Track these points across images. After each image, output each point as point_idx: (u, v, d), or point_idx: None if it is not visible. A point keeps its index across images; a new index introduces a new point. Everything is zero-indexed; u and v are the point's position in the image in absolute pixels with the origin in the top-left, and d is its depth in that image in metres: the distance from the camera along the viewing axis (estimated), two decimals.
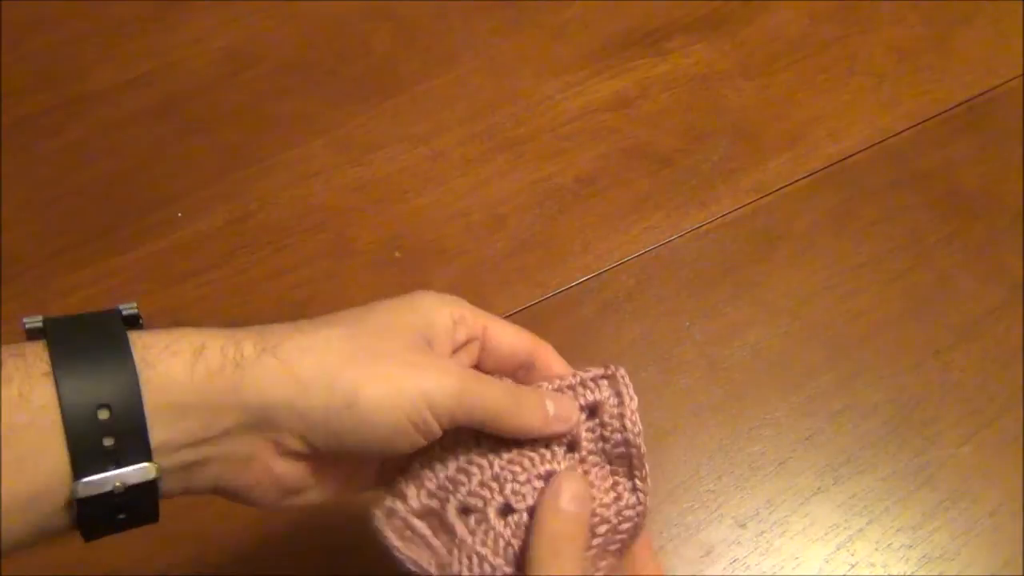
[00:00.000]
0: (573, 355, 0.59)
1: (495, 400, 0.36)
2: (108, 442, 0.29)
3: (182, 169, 0.65)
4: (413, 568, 0.36)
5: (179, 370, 0.30)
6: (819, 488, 0.55)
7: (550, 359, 0.40)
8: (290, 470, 0.34)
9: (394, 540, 0.37)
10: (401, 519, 0.37)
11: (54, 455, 0.28)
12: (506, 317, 0.60)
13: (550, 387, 0.40)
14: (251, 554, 0.52)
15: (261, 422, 0.32)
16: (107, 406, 0.29)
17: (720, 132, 0.67)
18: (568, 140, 0.67)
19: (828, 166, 0.66)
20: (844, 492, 0.55)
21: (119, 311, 0.33)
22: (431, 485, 0.38)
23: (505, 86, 0.69)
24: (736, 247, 0.63)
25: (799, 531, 0.54)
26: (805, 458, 0.56)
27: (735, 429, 0.57)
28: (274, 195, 0.64)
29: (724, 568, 0.53)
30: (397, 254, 0.62)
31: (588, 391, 0.41)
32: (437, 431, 0.34)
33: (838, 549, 0.54)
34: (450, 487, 0.37)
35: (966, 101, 0.69)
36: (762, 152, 0.67)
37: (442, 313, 0.37)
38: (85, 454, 0.29)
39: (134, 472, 0.29)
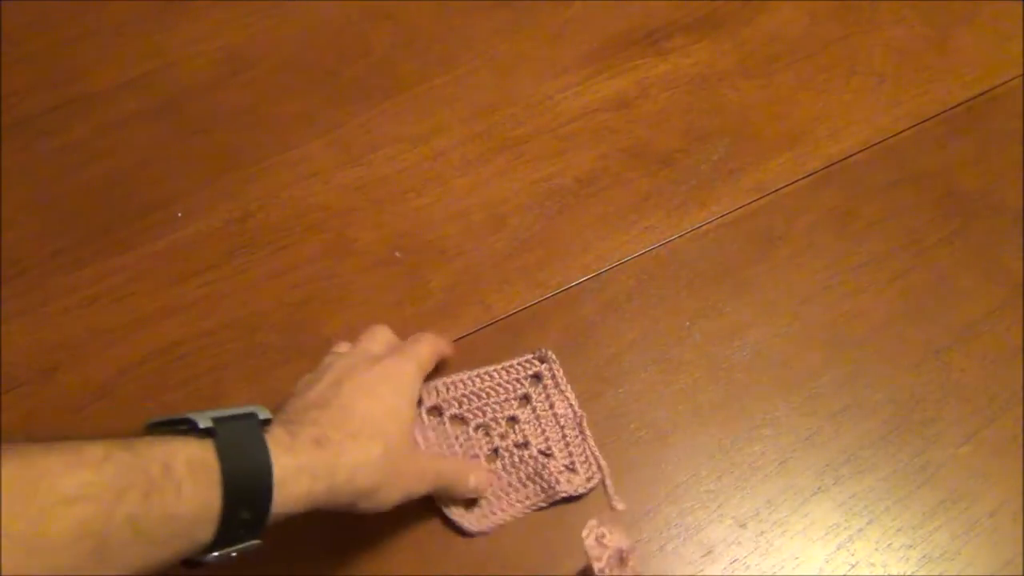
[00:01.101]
0: (573, 355, 0.59)
1: (448, 486, 0.52)
2: (241, 532, 0.40)
3: (182, 169, 0.65)
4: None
5: (300, 494, 0.42)
6: (819, 488, 0.55)
7: (447, 352, 0.57)
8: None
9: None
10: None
11: (206, 535, 0.38)
12: (506, 317, 0.60)
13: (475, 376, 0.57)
14: (251, 554, 0.52)
15: (305, 503, 0.43)
16: (250, 510, 0.40)
17: (720, 132, 0.67)
18: (568, 140, 0.67)
19: (828, 166, 0.66)
20: (844, 492, 0.55)
21: (257, 419, 0.42)
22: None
23: (505, 86, 0.69)
24: (736, 247, 0.63)
25: (799, 531, 0.54)
26: (805, 458, 0.56)
27: (735, 429, 0.57)
28: (274, 195, 0.64)
29: (724, 568, 0.53)
30: (397, 254, 0.62)
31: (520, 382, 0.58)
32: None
33: (838, 549, 0.54)
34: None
35: (966, 101, 0.69)
36: (762, 152, 0.67)
37: (418, 388, 0.52)
38: (223, 539, 0.39)
39: (244, 548, 0.41)
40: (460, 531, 0.53)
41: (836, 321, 0.61)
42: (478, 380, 0.57)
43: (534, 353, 0.57)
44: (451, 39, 0.70)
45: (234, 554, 0.40)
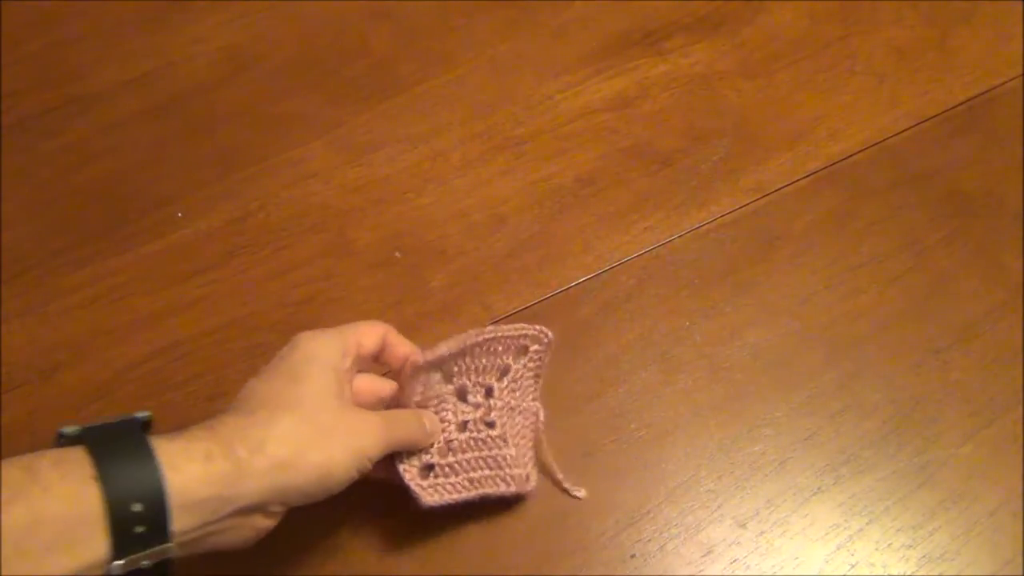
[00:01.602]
0: (573, 355, 0.59)
1: (407, 434, 0.49)
2: (139, 529, 0.36)
3: (182, 169, 0.65)
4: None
5: (195, 474, 0.38)
6: (819, 488, 0.55)
7: (395, 340, 0.50)
8: (268, 523, 0.43)
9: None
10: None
11: (98, 541, 0.36)
12: (506, 317, 0.60)
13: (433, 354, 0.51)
14: (251, 554, 0.52)
15: (255, 505, 0.41)
16: (142, 501, 0.36)
17: (720, 132, 0.67)
18: (568, 140, 0.67)
19: (828, 166, 0.66)
20: (844, 492, 0.55)
21: (137, 420, 0.40)
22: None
23: (505, 86, 0.69)
24: (736, 247, 0.63)
25: (799, 531, 0.54)
26: (805, 458, 0.56)
27: (735, 429, 0.57)
28: (274, 195, 0.64)
29: (724, 568, 0.53)
30: (397, 254, 0.62)
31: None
32: (370, 467, 0.45)
33: (838, 549, 0.54)
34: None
35: (966, 101, 0.69)
36: (762, 152, 0.67)
37: (335, 357, 0.47)
38: (121, 541, 0.36)
39: (156, 552, 0.37)
40: (416, 500, 0.49)
41: (836, 321, 0.61)
42: (472, 336, 0.52)
43: (532, 327, 0.53)
44: (451, 39, 0.70)
45: (146, 563, 0.37)
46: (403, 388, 0.51)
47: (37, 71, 0.68)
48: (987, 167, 0.66)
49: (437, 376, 0.52)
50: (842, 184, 0.66)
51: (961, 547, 0.54)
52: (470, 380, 0.53)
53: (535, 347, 0.54)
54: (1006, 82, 0.70)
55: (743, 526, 0.54)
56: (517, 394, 0.54)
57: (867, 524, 0.54)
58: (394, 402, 0.51)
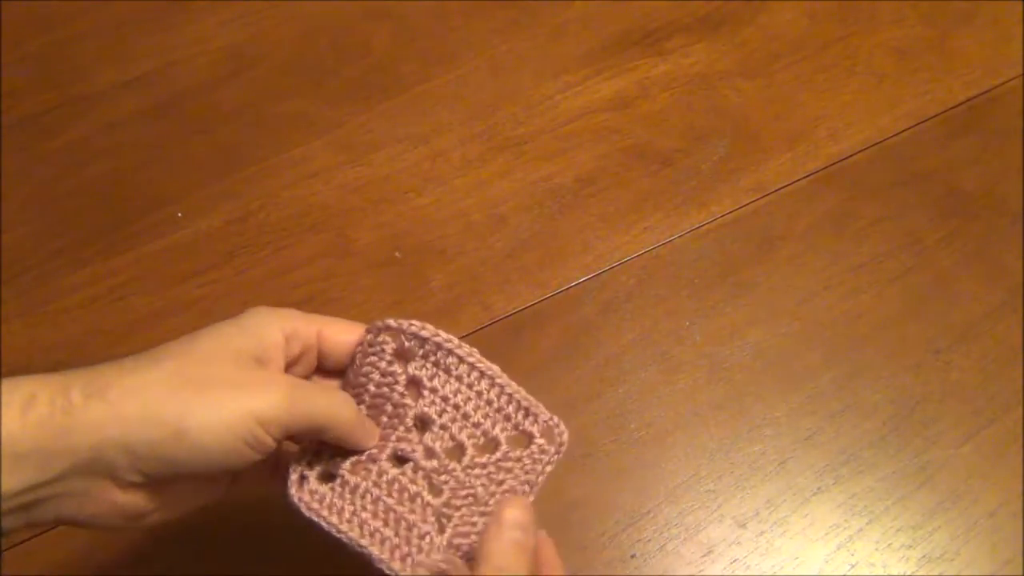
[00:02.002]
0: (573, 355, 0.59)
1: (328, 407, 0.38)
2: None
3: (182, 169, 0.65)
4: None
5: (10, 422, 0.32)
6: (819, 488, 0.55)
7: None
8: (132, 499, 0.35)
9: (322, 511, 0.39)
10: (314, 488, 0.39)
11: None
12: (506, 317, 0.60)
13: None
14: (251, 554, 0.52)
15: (94, 463, 0.33)
16: None
17: (720, 132, 0.67)
18: (568, 140, 0.67)
19: (828, 166, 0.66)
20: (844, 492, 0.55)
21: None
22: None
23: (505, 86, 0.69)
24: (736, 247, 0.63)
25: (799, 531, 0.54)
26: (805, 458, 0.56)
27: (735, 429, 0.57)
28: (274, 195, 0.64)
29: (724, 568, 0.53)
30: (397, 254, 0.62)
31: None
32: (271, 444, 0.36)
33: (838, 549, 0.54)
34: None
35: (966, 101, 0.69)
36: (762, 152, 0.67)
37: (272, 330, 0.38)
38: None
39: None
40: (291, 503, 0.39)
41: (836, 321, 0.61)
42: (475, 373, 0.41)
43: (551, 416, 0.42)
44: (451, 39, 0.70)
45: None
46: (350, 365, 0.41)
47: (37, 71, 0.68)
48: (987, 167, 0.66)
49: (401, 375, 0.41)
50: (842, 184, 0.65)
51: (961, 547, 0.54)
52: (443, 417, 0.41)
53: (540, 443, 0.41)
54: (1006, 82, 0.70)
55: (743, 526, 0.54)
56: (492, 489, 0.40)
57: (867, 524, 0.54)
58: None
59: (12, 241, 0.62)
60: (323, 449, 0.40)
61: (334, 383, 0.42)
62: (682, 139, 0.67)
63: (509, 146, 0.66)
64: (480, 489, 0.40)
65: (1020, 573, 0.53)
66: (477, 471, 0.40)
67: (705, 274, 0.62)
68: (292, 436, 0.37)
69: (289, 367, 0.40)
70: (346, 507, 0.39)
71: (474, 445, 0.41)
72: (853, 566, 0.53)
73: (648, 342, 0.60)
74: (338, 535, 0.39)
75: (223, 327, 0.38)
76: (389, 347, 0.40)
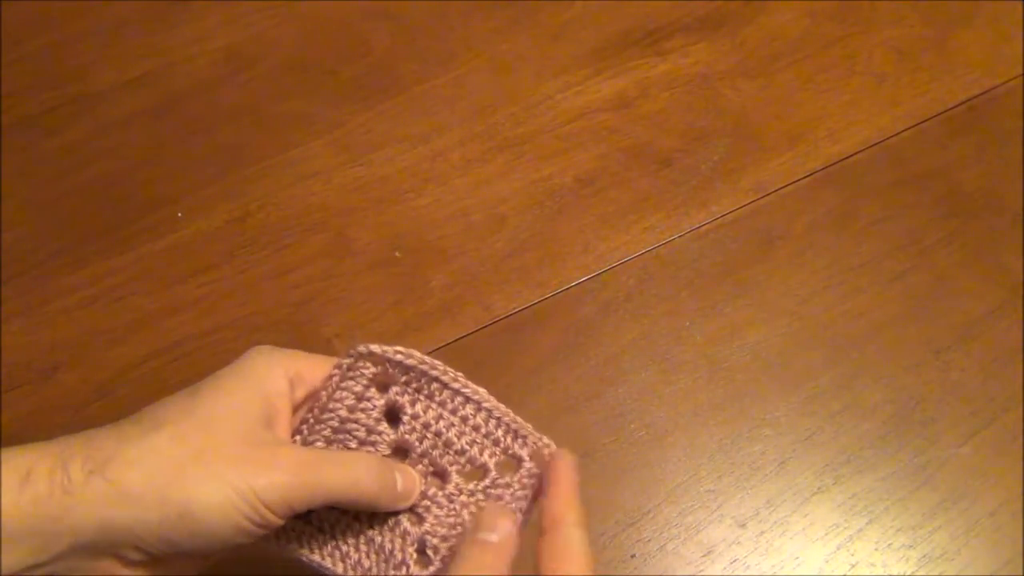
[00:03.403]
0: (573, 355, 0.59)
1: (342, 479, 0.36)
2: None
3: (182, 169, 0.65)
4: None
5: (7, 500, 0.30)
6: (819, 488, 0.55)
7: None
8: (134, 573, 0.34)
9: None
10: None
11: None
12: (506, 317, 0.60)
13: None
14: (251, 554, 0.52)
15: (98, 543, 0.32)
16: None
17: (720, 132, 0.67)
18: (568, 140, 0.67)
19: (828, 166, 0.66)
20: (844, 492, 0.55)
21: None
22: None
23: (505, 86, 0.69)
24: (736, 247, 0.63)
25: (799, 531, 0.54)
26: (805, 458, 0.56)
27: (735, 429, 0.57)
28: (274, 195, 0.64)
29: (724, 568, 0.53)
30: (397, 254, 0.62)
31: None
32: (277, 522, 0.34)
33: (838, 549, 0.54)
34: None
35: (966, 101, 0.69)
36: (762, 152, 0.67)
37: (274, 376, 0.37)
38: None
39: None
40: (271, 541, 0.38)
41: (836, 321, 0.61)
42: (459, 399, 0.39)
43: (541, 437, 0.40)
44: (451, 39, 0.70)
45: None
46: (321, 388, 0.39)
47: (37, 71, 0.68)
48: (987, 167, 0.66)
49: (379, 400, 0.39)
50: (842, 184, 0.65)
51: (961, 547, 0.54)
52: (423, 444, 0.39)
53: (528, 466, 0.39)
54: (1006, 82, 0.70)
55: (743, 526, 0.54)
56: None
57: (867, 524, 0.54)
58: None
59: (12, 241, 0.62)
60: None
61: (361, 454, 0.39)
62: (682, 139, 0.67)
63: (509, 146, 0.66)
64: (467, 516, 0.38)
65: (1020, 573, 0.53)
66: (464, 498, 0.38)
67: (705, 274, 0.62)
68: (293, 514, 0.35)
69: (296, 410, 0.39)
70: (327, 542, 0.38)
71: (458, 472, 0.39)
72: (853, 566, 0.53)
73: (648, 342, 0.60)
74: (318, 568, 0.38)
75: (225, 380, 0.37)
76: (369, 372, 0.38)
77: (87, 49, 0.69)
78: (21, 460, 0.31)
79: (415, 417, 0.39)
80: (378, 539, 0.38)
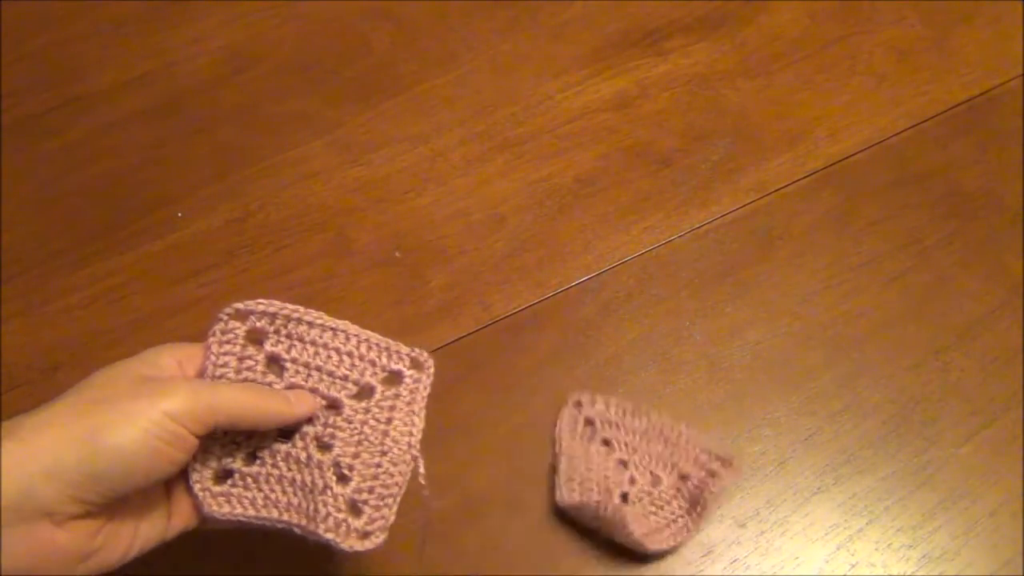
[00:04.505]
0: (573, 355, 0.59)
1: (234, 396, 0.39)
2: None
3: (182, 169, 0.65)
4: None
5: None
6: (819, 488, 0.55)
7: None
8: (72, 537, 0.35)
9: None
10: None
11: None
12: (506, 317, 0.60)
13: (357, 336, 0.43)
14: (251, 555, 0.52)
15: (25, 502, 0.34)
16: None
17: (720, 132, 0.67)
18: (568, 140, 0.67)
19: (828, 166, 0.66)
20: (844, 492, 0.55)
21: None
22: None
23: (505, 86, 0.69)
24: (736, 247, 0.63)
25: (799, 531, 0.54)
26: (805, 458, 0.56)
27: (735, 429, 0.57)
28: (274, 195, 0.64)
29: (724, 568, 0.53)
30: (397, 254, 0.62)
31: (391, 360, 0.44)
32: (189, 437, 0.37)
33: (838, 549, 0.54)
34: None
35: (966, 101, 0.69)
36: (762, 152, 0.67)
37: (164, 356, 0.40)
38: None
39: None
40: (207, 515, 0.41)
41: (836, 321, 0.61)
42: (329, 333, 0.43)
43: (411, 349, 0.44)
44: (451, 39, 0.70)
45: None
46: (204, 360, 0.42)
47: (37, 71, 0.68)
48: (987, 167, 0.66)
49: (259, 355, 0.42)
50: (842, 184, 0.66)
51: (961, 547, 0.54)
52: (309, 381, 0.43)
53: (411, 374, 0.43)
54: (1006, 82, 0.70)
55: (743, 526, 0.54)
56: (383, 428, 0.42)
57: (867, 524, 0.54)
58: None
59: (12, 241, 0.62)
60: (210, 451, 0.41)
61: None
62: (682, 139, 0.67)
63: (509, 146, 0.66)
64: (369, 431, 0.42)
65: (1020, 573, 0.53)
66: (360, 417, 0.42)
67: (705, 274, 0.62)
68: (209, 430, 0.38)
69: None
70: (256, 495, 0.41)
71: (348, 396, 0.43)
72: (853, 566, 0.53)
73: (648, 342, 0.60)
74: (260, 523, 0.41)
75: (118, 362, 0.39)
76: (241, 331, 0.42)
77: (87, 49, 0.69)
78: None
79: (294, 361, 0.42)
80: (299, 477, 0.41)
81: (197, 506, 0.41)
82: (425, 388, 0.43)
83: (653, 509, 0.53)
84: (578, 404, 0.56)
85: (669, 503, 0.53)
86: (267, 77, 0.69)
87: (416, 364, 0.44)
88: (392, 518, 0.41)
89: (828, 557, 0.54)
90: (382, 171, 0.65)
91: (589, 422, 0.56)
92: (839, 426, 0.57)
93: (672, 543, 0.53)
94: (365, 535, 0.41)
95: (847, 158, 0.67)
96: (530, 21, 0.71)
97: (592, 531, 0.53)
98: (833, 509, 0.55)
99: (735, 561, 0.53)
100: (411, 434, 0.43)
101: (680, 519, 0.53)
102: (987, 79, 0.70)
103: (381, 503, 0.41)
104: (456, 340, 0.59)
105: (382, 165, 0.65)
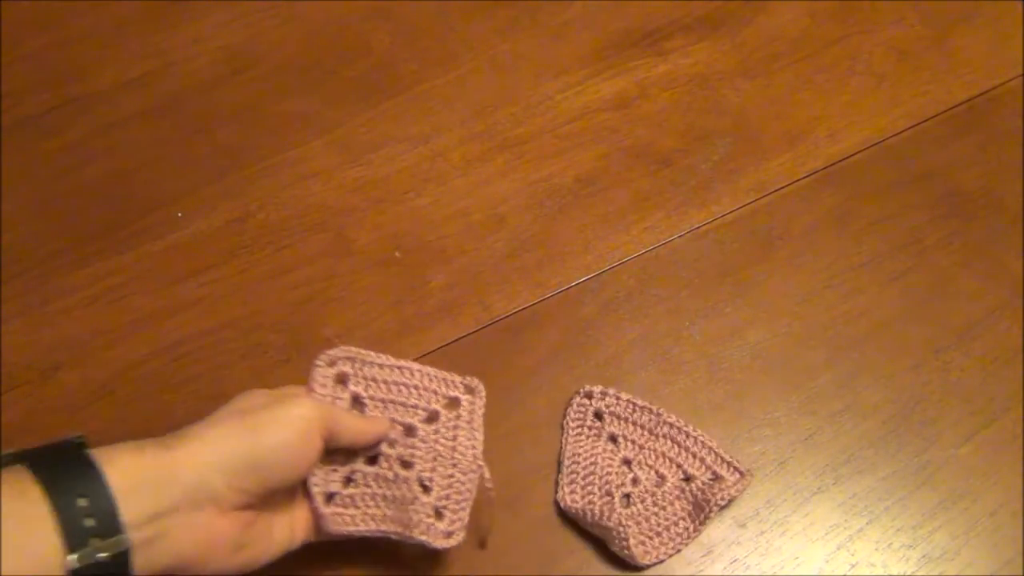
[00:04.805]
0: (573, 355, 0.59)
1: (339, 412, 0.49)
2: (89, 523, 0.38)
3: (182, 169, 0.65)
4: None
5: (129, 461, 0.40)
6: (819, 488, 0.55)
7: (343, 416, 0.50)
8: (234, 525, 0.43)
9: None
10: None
11: (48, 537, 0.37)
12: (506, 317, 0.60)
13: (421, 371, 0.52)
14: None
15: (199, 489, 0.41)
16: (85, 495, 0.38)
17: (720, 132, 0.67)
18: (568, 140, 0.67)
19: (828, 166, 0.66)
20: (844, 492, 0.55)
21: (70, 439, 0.41)
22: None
23: (505, 86, 0.69)
24: (736, 247, 0.63)
25: (799, 531, 0.54)
26: (805, 458, 0.56)
27: (735, 429, 0.57)
28: (274, 195, 0.64)
29: (724, 568, 0.53)
30: (397, 254, 0.62)
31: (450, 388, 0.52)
32: (318, 443, 0.46)
33: (838, 549, 0.54)
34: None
35: (966, 101, 0.69)
36: (762, 152, 0.67)
37: (286, 388, 0.49)
38: (72, 534, 0.37)
39: (111, 544, 0.38)
40: (315, 511, 0.48)
41: (836, 321, 0.61)
42: (396, 371, 0.51)
43: (465, 378, 0.52)
44: (451, 39, 0.70)
45: (102, 555, 0.38)
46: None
47: (37, 71, 0.68)
48: (987, 167, 0.66)
49: (345, 396, 0.50)
50: (842, 184, 0.66)
51: (961, 547, 0.54)
52: (386, 413, 0.51)
53: (466, 398, 0.51)
54: (1006, 82, 0.70)
55: (743, 526, 0.54)
56: (451, 444, 0.50)
57: (867, 524, 0.54)
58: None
59: (12, 241, 0.62)
60: (316, 476, 0.49)
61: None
62: (682, 139, 0.67)
63: (509, 146, 0.66)
64: (440, 448, 0.50)
65: (1020, 573, 0.53)
66: (432, 438, 0.50)
67: (705, 274, 0.62)
68: (326, 437, 0.46)
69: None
70: (356, 513, 0.49)
71: (419, 421, 0.51)
72: (853, 566, 0.53)
73: (648, 342, 0.60)
74: (362, 535, 0.49)
75: (252, 390, 0.47)
76: (331, 374, 0.50)
77: (87, 49, 0.69)
78: (130, 443, 0.41)
79: (372, 397, 0.51)
80: (389, 493, 0.49)
81: (315, 522, 0.49)
82: (480, 408, 0.51)
83: (655, 510, 0.53)
84: (588, 395, 0.56)
85: (672, 504, 0.53)
86: (267, 77, 0.69)
87: (470, 389, 0.52)
88: (467, 518, 0.49)
89: (828, 557, 0.54)
90: (382, 171, 0.65)
91: (598, 415, 0.56)
92: (839, 426, 0.57)
93: (669, 554, 0.53)
94: (449, 534, 0.49)
95: (847, 158, 0.67)
96: (530, 21, 0.71)
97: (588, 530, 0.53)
98: (833, 509, 0.55)
99: (735, 561, 0.53)
100: (474, 447, 0.51)
101: (681, 521, 0.53)
102: (987, 79, 0.70)
103: (458, 507, 0.49)
104: (456, 340, 0.59)
105: (382, 165, 0.65)
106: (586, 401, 0.56)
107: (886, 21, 0.72)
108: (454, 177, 0.65)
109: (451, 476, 0.50)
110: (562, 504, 0.53)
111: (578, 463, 0.55)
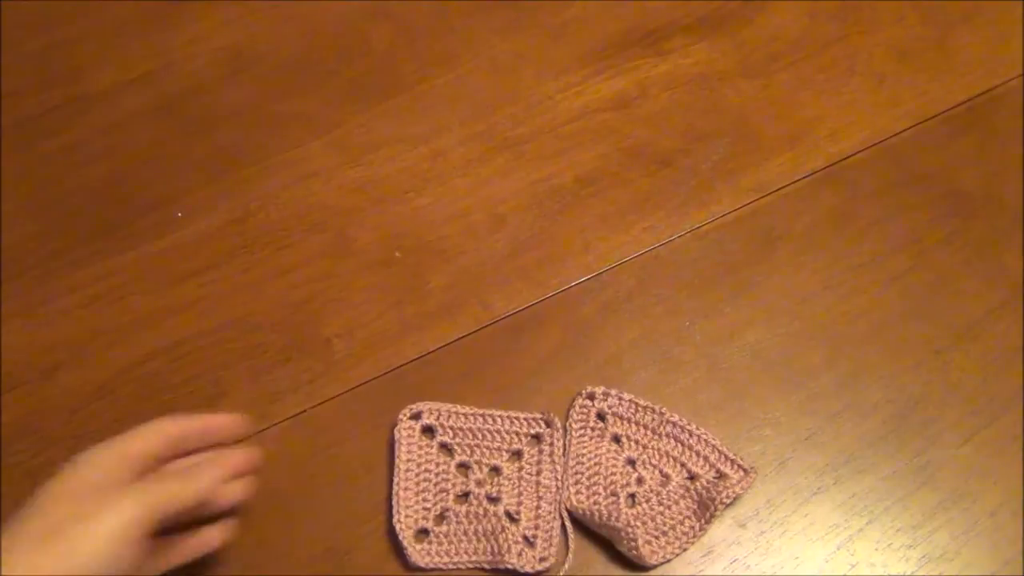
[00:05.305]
0: (573, 355, 0.59)
1: (172, 490, 0.44)
2: None
3: (182, 169, 0.65)
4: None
5: None
6: (819, 488, 0.55)
7: (191, 426, 0.49)
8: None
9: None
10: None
11: None
12: (506, 317, 0.60)
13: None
14: (251, 554, 0.52)
15: None
16: None
17: (720, 132, 0.67)
18: (568, 140, 0.67)
19: (828, 166, 0.66)
20: (844, 492, 0.55)
21: None
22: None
23: (505, 86, 0.69)
24: (736, 247, 0.63)
25: (799, 531, 0.54)
26: (805, 458, 0.56)
27: (735, 429, 0.57)
28: (274, 195, 0.64)
29: (724, 568, 0.53)
30: (397, 254, 0.62)
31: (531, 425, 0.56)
32: (144, 543, 0.42)
33: (838, 549, 0.54)
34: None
35: (966, 101, 0.69)
36: (762, 152, 0.67)
37: (130, 446, 0.45)
38: None
39: None
40: (415, 566, 0.52)
41: (836, 321, 0.61)
42: (480, 419, 0.56)
43: (543, 414, 0.56)
44: (451, 39, 0.70)
45: None
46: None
47: (37, 71, 0.68)
48: (987, 167, 0.66)
49: (432, 446, 0.55)
50: (842, 184, 0.66)
51: (961, 547, 0.54)
52: (473, 457, 0.55)
53: (547, 432, 0.55)
54: (1006, 82, 0.70)
55: (743, 526, 0.54)
56: (535, 479, 0.55)
57: (867, 524, 0.54)
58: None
59: (12, 241, 0.62)
60: (409, 515, 0.53)
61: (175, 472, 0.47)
62: (682, 139, 0.67)
63: (509, 146, 0.66)
64: (524, 484, 0.54)
65: (1020, 573, 0.53)
66: (517, 475, 0.55)
67: (705, 274, 0.62)
68: (152, 530, 0.42)
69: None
70: (449, 548, 0.52)
71: (504, 461, 0.55)
72: (853, 566, 0.53)
73: (648, 342, 0.60)
74: (454, 567, 0.52)
75: (62, 475, 0.43)
76: (417, 427, 0.55)
77: (87, 49, 0.69)
78: None
79: (459, 444, 0.55)
80: (480, 527, 0.53)
81: (405, 558, 0.52)
82: (559, 441, 0.55)
83: (661, 509, 0.53)
84: (591, 396, 0.56)
85: (677, 503, 0.53)
86: (267, 77, 0.69)
87: (549, 424, 0.55)
88: (555, 543, 0.53)
89: (828, 557, 0.54)
90: (382, 171, 0.65)
91: (601, 416, 0.56)
92: (839, 426, 0.57)
93: (676, 553, 0.53)
94: (542, 559, 0.52)
95: (847, 158, 0.67)
96: (530, 21, 0.71)
97: (594, 531, 0.53)
98: (833, 509, 0.55)
99: (735, 561, 0.53)
100: (556, 479, 0.54)
101: (687, 520, 0.53)
102: (987, 79, 0.70)
103: (546, 534, 0.53)
104: (456, 340, 0.59)
105: (382, 165, 0.65)
106: (588, 402, 0.56)
107: (886, 21, 0.72)
108: (454, 177, 0.65)
109: (537, 507, 0.54)
110: (567, 505, 0.53)
111: (582, 464, 0.55)
